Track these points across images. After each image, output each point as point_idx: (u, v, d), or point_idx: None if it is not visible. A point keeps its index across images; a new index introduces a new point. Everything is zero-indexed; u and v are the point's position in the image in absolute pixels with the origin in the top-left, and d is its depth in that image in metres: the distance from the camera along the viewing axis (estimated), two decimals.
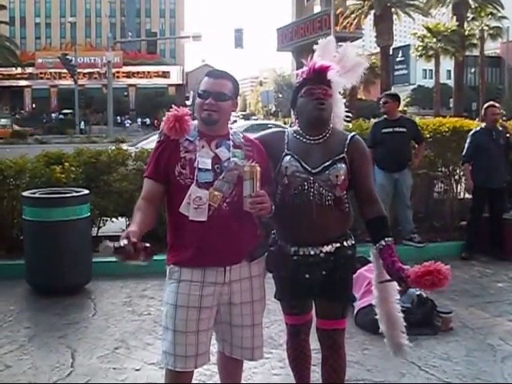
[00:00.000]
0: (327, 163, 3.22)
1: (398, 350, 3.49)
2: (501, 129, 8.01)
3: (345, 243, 3.33)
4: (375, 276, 3.43)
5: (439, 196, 9.03)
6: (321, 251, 3.28)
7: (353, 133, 3.44)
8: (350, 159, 3.26)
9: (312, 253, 3.29)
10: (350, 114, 3.59)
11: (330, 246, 3.29)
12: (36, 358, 4.72)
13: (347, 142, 3.30)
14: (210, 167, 3.07)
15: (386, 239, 3.24)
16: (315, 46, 3.55)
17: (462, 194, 8.97)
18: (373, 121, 8.66)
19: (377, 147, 7.56)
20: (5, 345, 4.99)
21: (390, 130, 7.79)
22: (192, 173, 3.06)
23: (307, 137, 3.34)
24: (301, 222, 3.24)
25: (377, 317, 3.49)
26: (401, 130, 7.84)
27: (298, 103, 3.38)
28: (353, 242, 3.40)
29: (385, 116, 7.98)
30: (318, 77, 3.30)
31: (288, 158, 3.28)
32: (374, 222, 3.29)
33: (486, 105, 8.18)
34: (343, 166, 3.23)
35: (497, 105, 8.14)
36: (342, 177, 3.22)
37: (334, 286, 3.29)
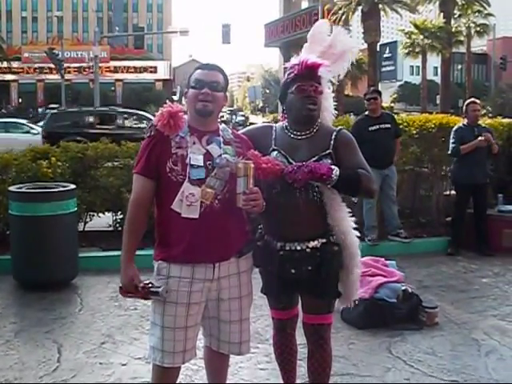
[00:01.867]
0: (313, 159, 3.22)
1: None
2: (484, 125, 8.05)
3: (331, 239, 3.33)
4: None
5: (425, 192, 9.07)
6: (307, 246, 3.28)
7: (339, 127, 3.45)
8: (336, 153, 3.27)
9: (298, 248, 3.29)
10: (336, 111, 3.58)
11: (316, 242, 3.29)
12: (22, 353, 4.71)
13: (333, 137, 3.31)
14: (202, 164, 3.07)
15: (336, 169, 3.15)
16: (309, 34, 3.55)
17: (447, 190, 9.03)
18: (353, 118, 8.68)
19: (364, 145, 7.53)
20: None
21: (377, 127, 7.82)
22: (184, 169, 3.05)
23: (295, 132, 3.35)
24: (287, 218, 3.25)
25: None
26: (386, 126, 7.90)
27: (288, 99, 3.38)
28: None
29: (366, 113, 8.01)
30: (310, 74, 3.30)
31: (275, 153, 3.29)
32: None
33: (467, 101, 8.24)
34: (329, 162, 3.23)
35: (477, 101, 8.21)
36: None
37: (320, 282, 3.30)
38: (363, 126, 7.79)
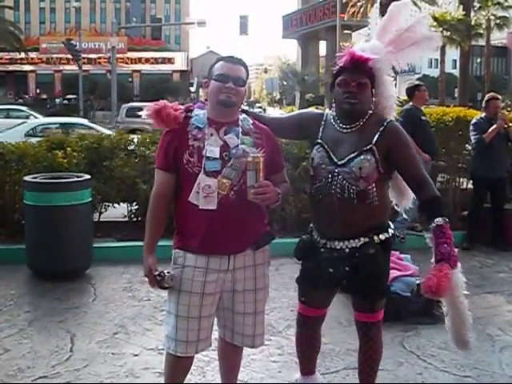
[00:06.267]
0: (353, 154, 3.15)
1: (463, 345, 3.44)
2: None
3: (375, 238, 3.23)
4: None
5: (442, 186, 8.99)
6: (346, 246, 3.23)
7: (389, 119, 3.31)
8: (384, 149, 3.15)
9: (338, 247, 3.25)
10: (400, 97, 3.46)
11: (356, 241, 3.22)
12: (35, 343, 4.74)
13: (379, 131, 3.19)
14: (217, 156, 3.07)
15: (436, 220, 3.18)
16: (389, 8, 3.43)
17: (464, 184, 8.95)
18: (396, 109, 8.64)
19: (417, 135, 7.43)
20: (5, 329, 5.01)
21: (424, 117, 7.80)
22: (200, 161, 3.05)
23: (341, 125, 3.28)
24: (324, 216, 3.23)
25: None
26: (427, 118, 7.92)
27: (334, 91, 3.30)
28: (387, 236, 3.29)
29: (411, 104, 7.86)
30: (356, 67, 3.20)
31: (317, 147, 3.26)
32: (424, 205, 3.24)
33: (488, 96, 8.15)
34: (369, 157, 3.13)
35: (499, 97, 8.17)
36: (367, 169, 3.12)
37: (359, 283, 3.22)
38: (416, 115, 7.68)
